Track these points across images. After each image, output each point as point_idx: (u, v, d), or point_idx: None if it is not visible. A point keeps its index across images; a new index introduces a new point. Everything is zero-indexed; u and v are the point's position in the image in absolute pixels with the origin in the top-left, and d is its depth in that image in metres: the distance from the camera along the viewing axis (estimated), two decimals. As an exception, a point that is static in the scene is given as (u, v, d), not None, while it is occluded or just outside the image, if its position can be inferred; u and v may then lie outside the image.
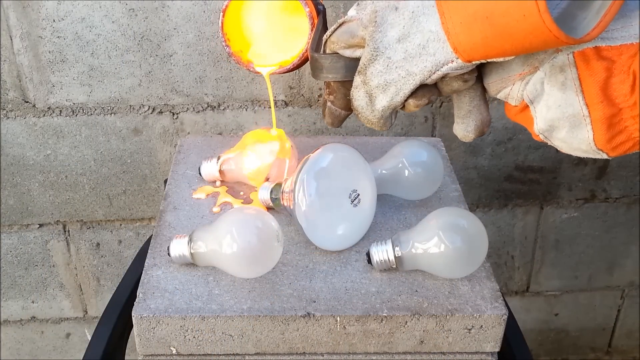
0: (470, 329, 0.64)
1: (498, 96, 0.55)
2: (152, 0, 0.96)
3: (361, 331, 0.64)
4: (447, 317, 0.64)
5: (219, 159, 0.82)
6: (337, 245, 0.71)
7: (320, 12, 0.68)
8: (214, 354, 0.66)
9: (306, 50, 0.68)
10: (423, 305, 0.65)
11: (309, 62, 0.58)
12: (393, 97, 0.52)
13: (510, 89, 0.54)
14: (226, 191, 0.82)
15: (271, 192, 0.74)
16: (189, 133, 1.08)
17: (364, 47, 0.53)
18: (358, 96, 0.55)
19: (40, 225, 1.15)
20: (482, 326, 0.64)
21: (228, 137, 0.94)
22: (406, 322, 0.64)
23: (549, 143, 0.54)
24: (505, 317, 0.64)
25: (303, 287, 0.67)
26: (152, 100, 1.04)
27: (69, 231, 1.16)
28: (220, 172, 0.81)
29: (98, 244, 1.18)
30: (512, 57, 0.49)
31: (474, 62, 0.49)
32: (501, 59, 0.49)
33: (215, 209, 0.78)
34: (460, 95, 0.56)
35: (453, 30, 0.47)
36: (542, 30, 0.43)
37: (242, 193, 0.81)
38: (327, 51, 0.56)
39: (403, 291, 0.66)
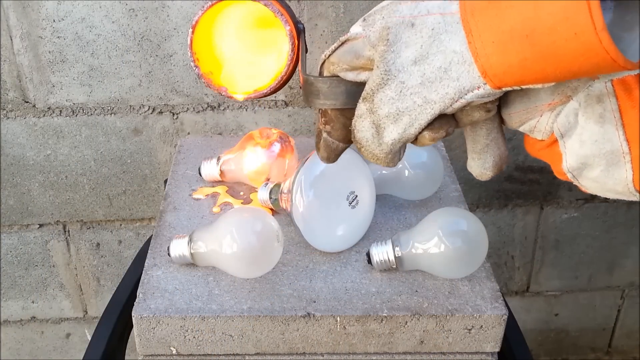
0: (470, 329, 0.64)
1: (521, 129, 0.48)
2: (152, 0, 0.96)
3: (361, 331, 0.64)
4: (447, 317, 0.64)
5: (219, 159, 0.82)
6: (334, 246, 0.71)
7: (301, 32, 0.62)
8: (214, 354, 0.66)
9: (285, 73, 0.62)
10: (423, 305, 0.65)
11: (301, 85, 0.51)
12: (406, 129, 0.45)
13: (536, 121, 0.47)
14: (226, 191, 0.82)
15: (270, 192, 0.74)
16: (189, 133, 1.08)
17: (370, 69, 0.45)
18: (362, 127, 0.47)
19: (40, 226, 1.15)
20: (482, 326, 0.64)
21: (228, 137, 0.94)
22: (406, 322, 0.64)
23: (575, 182, 0.47)
24: (505, 317, 0.64)
25: (303, 287, 0.67)
26: (152, 100, 1.04)
27: (69, 231, 1.16)
28: (221, 172, 0.81)
29: (98, 244, 1.18)
30: (552, 83, 0.42)
31: (503, 89, 0.42)
32: (539, 86, 0.42)
33: (215, 209, 0.78)
34: (476, 127, 0.49)
35: (482, 50, 0.40)
36: (597, 51, 0.36)
37: (242, 193, 0.81)
38: (325, 73, 0.48)
39: (403, 291, 0.66)
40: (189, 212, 0.78)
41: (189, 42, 0.62)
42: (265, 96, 0.65)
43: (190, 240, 0.67)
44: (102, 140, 1.07)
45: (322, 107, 0.49)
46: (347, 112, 0.48)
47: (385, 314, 0.64)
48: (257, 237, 0.64)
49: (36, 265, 1.20)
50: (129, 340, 0.80)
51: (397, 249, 0.66)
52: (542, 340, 1.41)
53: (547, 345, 1.42)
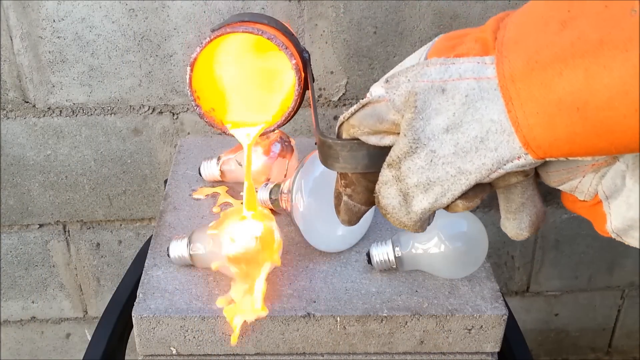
0: (470, 329, 0.64)
1: (560, 187, 0.45)
2: (152, 0, 0.96)
3: (361, 331, 0.64)
4: (447, 317, 0.64)
5: (219, 159, 0.82)
6: (334, 246, 0.71)
7: (307, 62, 0.59)
8: (214, 354, 0.66)
9: (292, 109, 0.59)
10: (423, 305, 0.65)
11: (316, 145, 0.47)
12: (437, 199, 0.41)
13: (578, 182, 0.43)
14: (226, 191, 0.82)
15: (270, 193, 0.74)
16: (189, 133, 1.08)
17: (395, 133, 0.42)
18: (388, 194, 0.43)
19: (41, 226, 1.15)
20: (482, 326, 0.64)
21: (228, 138, 0.94)
22: (406, 322, 0.64)
23: (618, 239, 0.45)
24: (506, 317, 0.64)
25: (303, 287, 0.67)
26: (152, 100, 1.04)
27: (69, 231, 1.16)
28: (221, 172, 0.81)
29: (98, 244, 1.18)
30: (604, 157, 0.39)
31: (547, 159, 0.38)
32: (588, 159, 0.38)
33: (215, 209, 0.78)
34: (510, 186, 0.46)
35: (525, 121, 0.36)
36: None
37: (242, 193, 0.81)
38: (345, 135, 0.44)
39: (403, 291, 0.66)
40: (189, 212, 0.78)
41: (187, 80, 0.59)
42: (271, 132, 0.62)
43: (189, 242, 0.67)
44: (102, 140, 1.07)
45: (343, 171, 0.45)
46: (370, 175, 0.45)
47: (385, 314, 0.64)
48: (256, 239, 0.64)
49: (36, 265, 1.20)
50: (129, 340, 0.80)
51: (397, 249, 0.66)
52: (542, 340, 1.41)
53: (547, 345, 1.42)
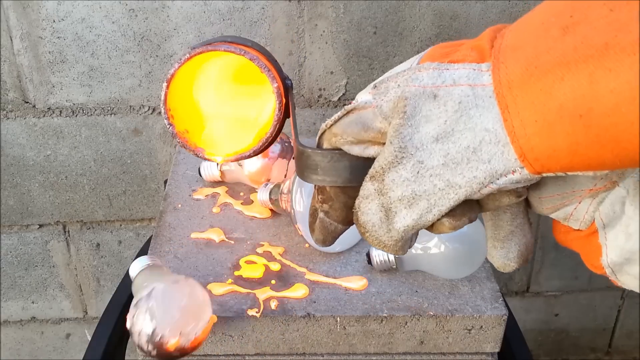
0: (470, 330, 0.64)
1: (553, 215, 0.42)
2: (152, 0, 0.96)
3: (361, 331, 0.64)
4: (447, 317, 0.64)
5: (219, 159, 0.82)
6: (334, 246, 0.71)
7: (289, 89, 0.57)
8: (214, 355, 0.66)
9: (270, 135, 0.56)
10: (423, 305, 0.65)
11: (294, 158, 0.44)
12: (422, 215, 0.38)
13: (573, 208, 0.41)
14: (226, 192, 0.82)
15: (270, 193, 0.74)
16: (189, 133, 1.08)
17: (380, 143, 0.39)
18: (368, 209, 0.39)
19: (40, 226, 1.15)
20: (482, 327, 0.64)
21: (228, 138, 0.94)
22: (406, 322, 0.64)
23: (611, 277, 0.41)
24: (505, 317, 0.64)
25: (303, 287, 0.67)
26: (152, 100, 1.04)
27: (69, 232, 1.16)
28: (221, 172, 0.81)
29: (98, 245, 1.18)
30: (605, 171, 0.36)
31: (544, 175, 0.35)
32: (590, 173, 0.35)
33: (215, 209, 0.78)
34: (499, 211, 0.43)
35: (521, 130, 0.33)
36: None
37: (242, 194, 0.81)
38: (326, 145, 0.41)
39: (403, 291, 0.66)
40: (189, 212, 0.78)
41: (162, 97, 0.56)
42: (247, 158, 0.58)
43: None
44: (102, 140, 1.07)
45: (321, 183, 0.42)
46: (349, 190, 0.42)
47: (385, 314, 0.64)
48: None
49: (36, 266, 1.19)
50: (129, 340, 0.80)
51: (397, 249, 0.66)
52: (542, 340, 1.41)
53: (547, 345, 1.42)
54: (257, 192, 0.77)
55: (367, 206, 0.39)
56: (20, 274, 1.21)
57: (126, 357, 0.84)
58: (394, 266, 0.67)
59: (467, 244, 0.65)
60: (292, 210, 0.68)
